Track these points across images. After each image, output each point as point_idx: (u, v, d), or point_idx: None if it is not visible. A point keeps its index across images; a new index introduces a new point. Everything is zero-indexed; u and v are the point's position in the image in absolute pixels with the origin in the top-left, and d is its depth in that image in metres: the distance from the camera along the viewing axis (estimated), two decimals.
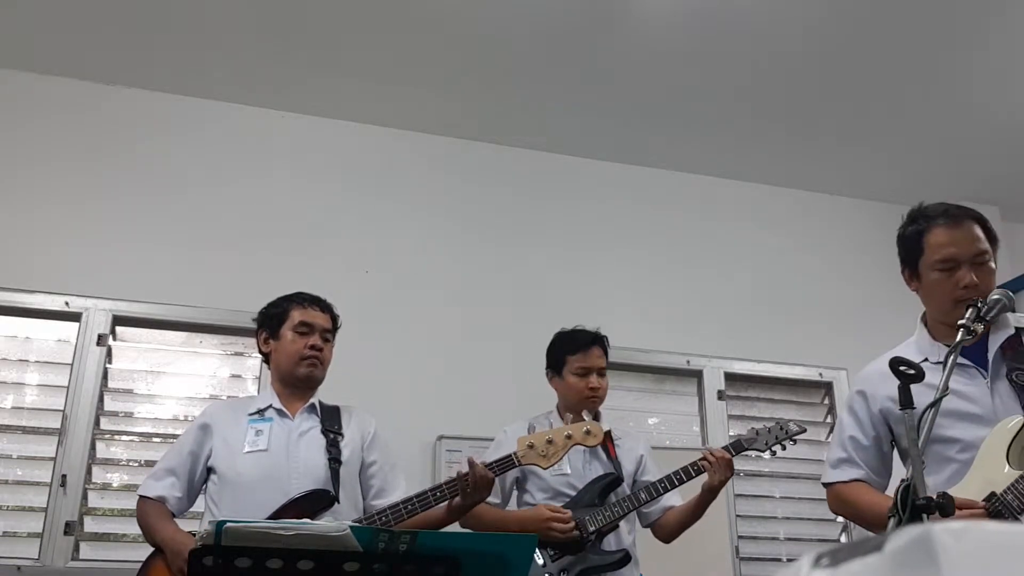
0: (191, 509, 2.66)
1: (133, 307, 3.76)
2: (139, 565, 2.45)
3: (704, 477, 2.79)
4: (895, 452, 2.13)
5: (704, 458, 2.79)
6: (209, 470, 2.57)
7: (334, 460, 2.55)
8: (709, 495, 2.81)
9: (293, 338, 2.65)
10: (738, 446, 2.92)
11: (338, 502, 2.48)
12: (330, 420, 2.65)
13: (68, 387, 3.56)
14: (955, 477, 1.91)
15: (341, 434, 2.63)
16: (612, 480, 2.85)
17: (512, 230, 4.41)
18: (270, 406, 2.64)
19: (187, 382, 3.80)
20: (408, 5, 3.64)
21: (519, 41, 3.83)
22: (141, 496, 2.56)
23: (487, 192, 4.44)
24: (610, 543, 2.79)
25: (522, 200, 4.48)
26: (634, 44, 3.85)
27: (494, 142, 4.49)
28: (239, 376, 3.88)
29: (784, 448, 2.98)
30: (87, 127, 3.98)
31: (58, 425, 3.50)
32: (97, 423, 3.58)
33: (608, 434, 2.94)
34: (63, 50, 3.86)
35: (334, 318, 2.76)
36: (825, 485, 2.18)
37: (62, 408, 3.53)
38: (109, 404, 3.66)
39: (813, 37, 3.81)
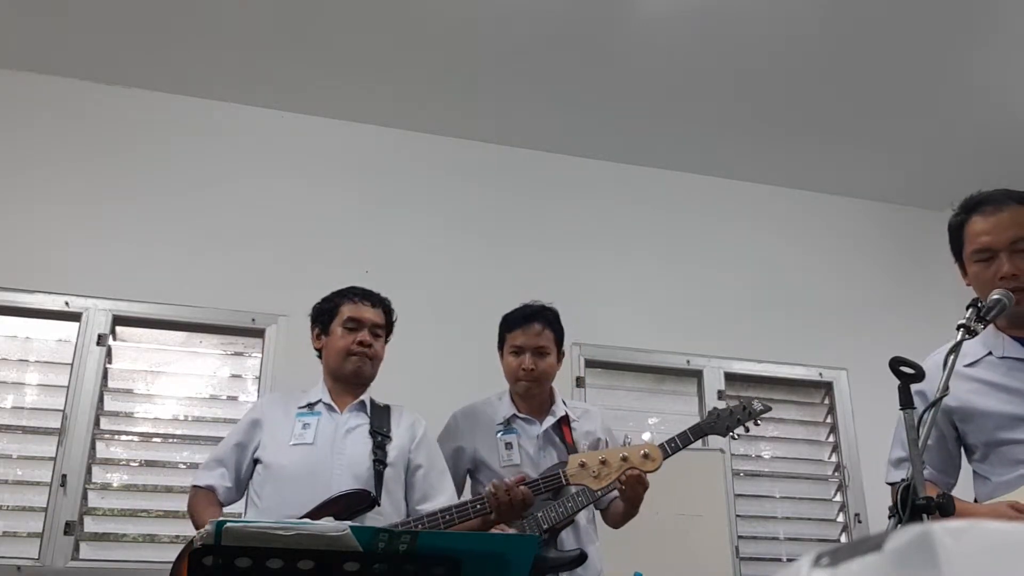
0: None
1: (133, 307, 3.76)
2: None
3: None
4: (962, 449, 2.06)
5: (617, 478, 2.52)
6: (256, 462, 2.58)
7: (379, 462, 2.53)
8: (628, 507, 2.61)
9: (342, 334, 2.66)
10: (697, 431, 2.64)
11: (379, 504, 2.45)
12: (379, 421, 2.64)
13: (68, 387, 3.56)
14: (1022, 479, 1.86)
15: (389, 436, 2.61)
16: None
17: (512, 230, 4.41)
18: (320, 400, 2.64)
19: (187, 382, 3.80)
20: (408, 5, 3.64)
21: (519, 41, 3.83)
22: (193, 486, 2.59)
23: (487, 192, 4.44)
24: (566, 541, 2.62)
25: (522, 200, 4.48)
26: (634, 44, 3.85)
27: (494, 142, 4.48)
28: (239, 376, 3.88)
29: (747, 431, 2.68)
30: (87, 127, 3.98)
31: (58, 425, 3.50)
32: (97, 423, 3.57)
33: (565, 418, 2.80)
34: (63, 50, 3.86)
35: (387, 313, 2.75)
36: (889, 484, 2.11)
37: (62, 408, 3.53)
38: (109, 404, 3.66)
39: (813, 37, 3.81)
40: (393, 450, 2.58)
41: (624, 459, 2.38)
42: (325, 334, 2.71)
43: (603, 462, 2.37)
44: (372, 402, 2.69)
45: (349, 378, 2.66)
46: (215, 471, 2.57)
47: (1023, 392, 1.91)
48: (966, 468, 2.07)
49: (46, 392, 3.61)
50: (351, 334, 2.66)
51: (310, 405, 2.64)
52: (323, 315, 2.73)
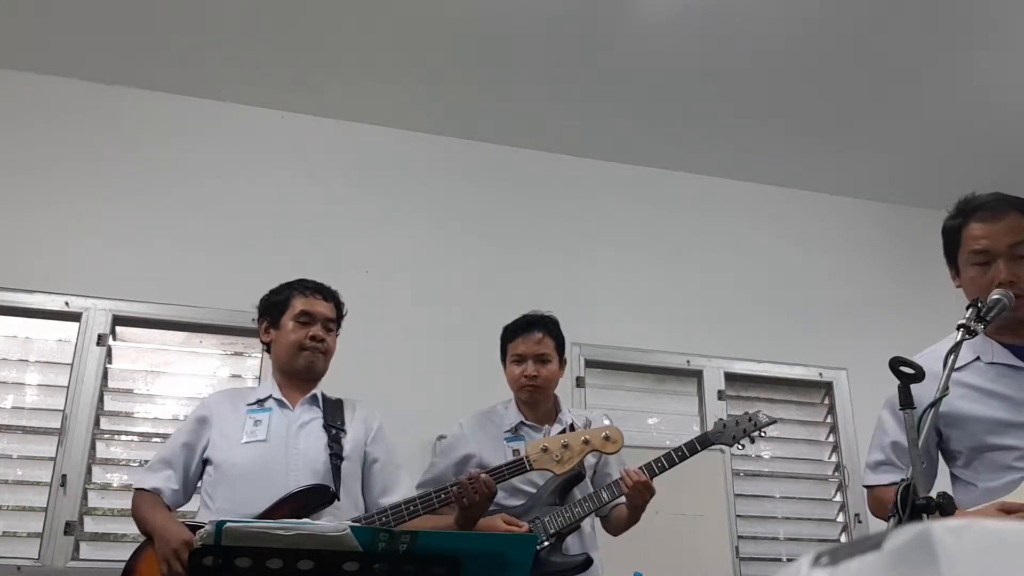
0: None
1: (133, 307, 3.76)
2: None
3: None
4: (940, 453, 2.05)
5: (622, 479, 2.58)
6: (205, 462, 2.49)
7: (335, 456, 2.46)
8: (634, 512, 2.65)
9: (294, 327, 2.58)
10: (704, 441, 2.68)
11: (338, 499, 2.39)
12: (333, 415, 2.57)
13: (68, 387, 3.56)
14: (1011, 486, 1.85)
15: (344, 430, 2.54)
16: (574, 476, 2.59)
17: (512, 230, 4.41)
18: (270, 396, 2.57)
19: (187, 382, 3.80)
20: (408, 5, 3.64)
21: (519, 41, 3.83)
22: (137, 488, 2.50)
23: (487, 192, 4.45)
24: (572, 546, 2.62)
25: (522, 200, 4.48)
26: (634, 44, 3.85)
27: (494, 142, 4.49)
28: (239, 376, 3.88)
29: (753, 441, 2.74)
30: (87, 127, 3.98)
31: (58, 425, 3.50)
32: (97, 423, 3.57)
33: (572, 427, 2.79)
34: (63, 50, 3.86)
35: (339, 306, 2.69)
36: (866, 487, 2.12)
37: (62, 408, 3.53)
38: (109, 404, 3.66)
39: (813, 37, 3.82)
40: (348, 443, 2.51)
41: (586, 442, 2.38)
42: (275, 328, 2.62)
43: (565, 446, 2.36)
44: (324, 396, 2.62)
45: (301, 373, 2.58)
46: (161, 473, 2.46)
47: (1011, 398, 1.90)
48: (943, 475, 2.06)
49: (46, 392, 3.61)
50: (303, 328, 2.57)
51: (260, 401, 2.55)
52: (273, 308, 2.63)
